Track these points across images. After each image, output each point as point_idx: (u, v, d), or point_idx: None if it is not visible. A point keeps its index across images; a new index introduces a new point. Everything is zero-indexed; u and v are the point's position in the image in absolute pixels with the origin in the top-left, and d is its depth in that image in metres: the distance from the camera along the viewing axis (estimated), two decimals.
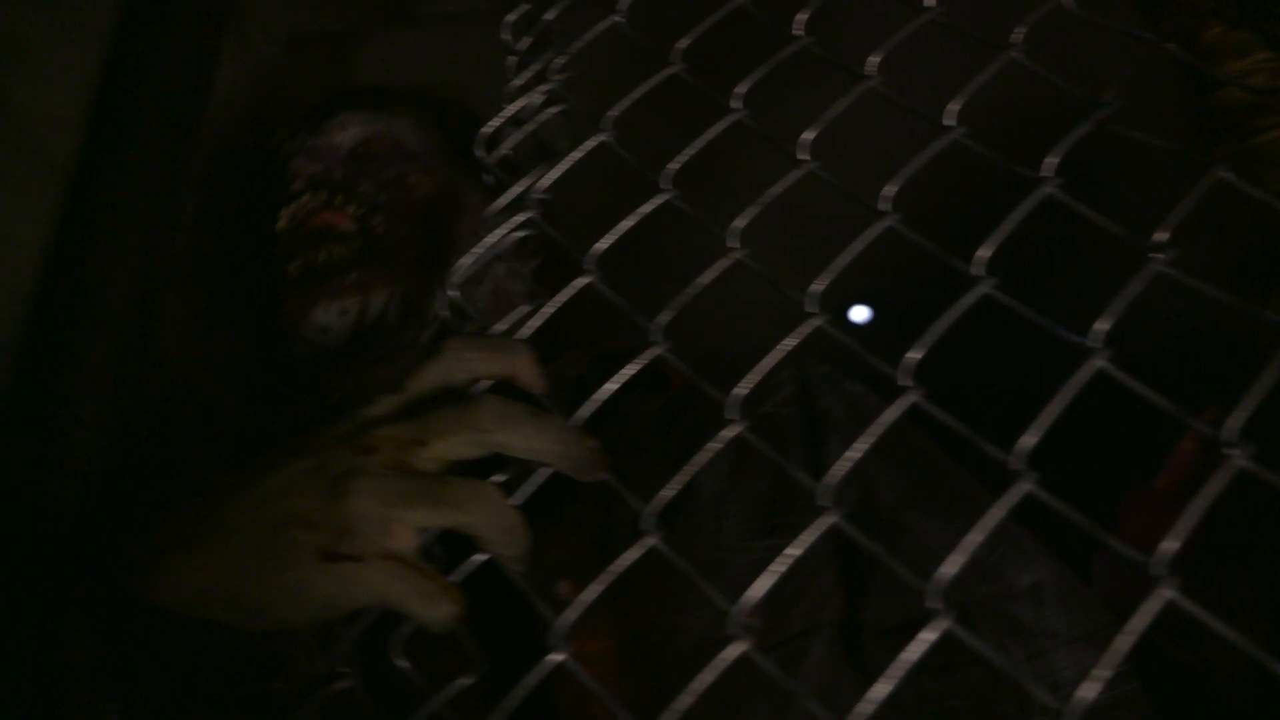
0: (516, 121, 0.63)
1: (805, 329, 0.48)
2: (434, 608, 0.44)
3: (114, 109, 0.78)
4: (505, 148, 0.63)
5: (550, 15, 0.68)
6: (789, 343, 0.48)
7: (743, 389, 0.48)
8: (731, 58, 0.65)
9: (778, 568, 0.43)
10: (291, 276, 0.77)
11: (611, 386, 0.49)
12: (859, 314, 1.83)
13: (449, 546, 0.46)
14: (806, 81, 0.65)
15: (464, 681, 0.46)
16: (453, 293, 0.56)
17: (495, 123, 0.62)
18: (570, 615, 0.45)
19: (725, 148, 0.59)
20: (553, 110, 0.63)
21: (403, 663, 0.47)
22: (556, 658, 0.44)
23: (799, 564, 0.43)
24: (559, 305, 0.53)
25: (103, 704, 0.41)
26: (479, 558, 0.47)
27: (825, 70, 0.59)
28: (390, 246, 0.78)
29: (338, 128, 0.86)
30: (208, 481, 0.48)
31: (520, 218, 0.58)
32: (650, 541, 0.46)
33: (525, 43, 0.67)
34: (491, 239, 0.57)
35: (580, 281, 0.53)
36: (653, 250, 0.79)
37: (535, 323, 0.53)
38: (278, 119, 0.92)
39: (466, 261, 0.57)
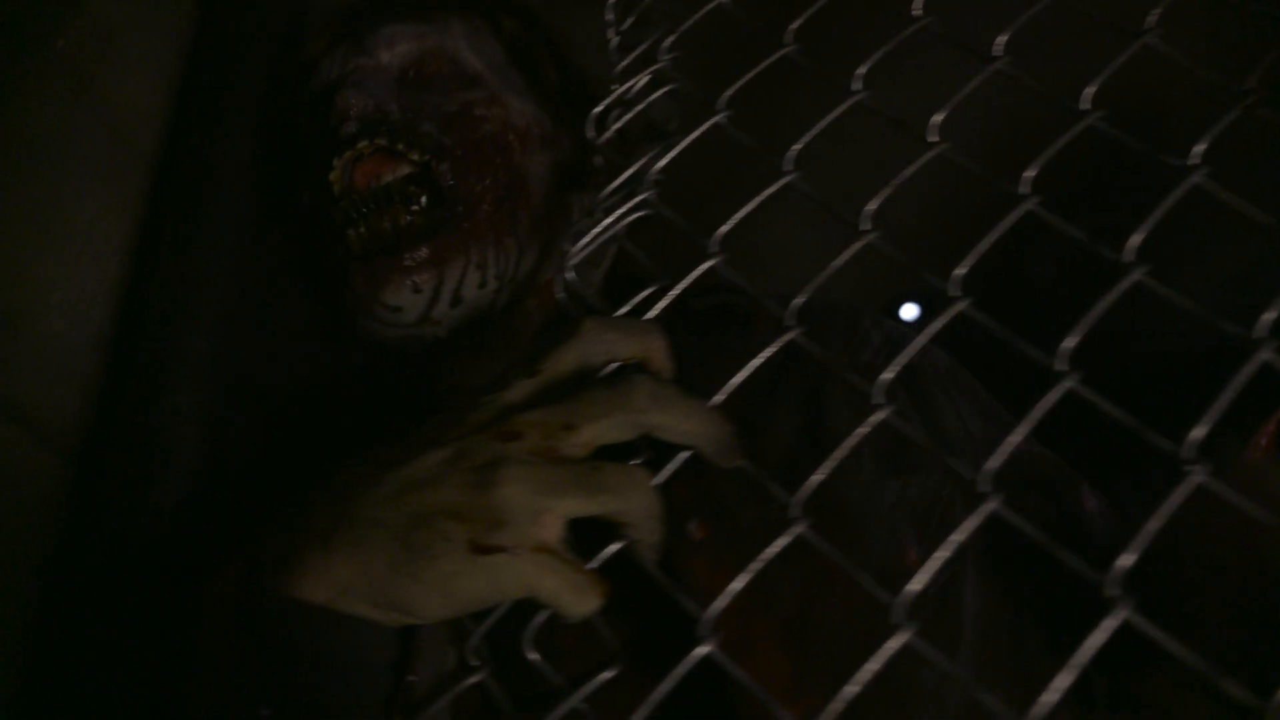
0: (624, 102, 0.62)
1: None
2: (582, 601, 0.42)
3: (197, 98, 0.77)
4: (614, 127, 0.61)
5: None
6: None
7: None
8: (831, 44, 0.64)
9: (942, 554, 0.41)
10: (354, 246, 0.68)
11: (755, 363, 0.47)
12: (909, 311, 1.82)
13: None
14: (922, 62, 0.63)
15: (606, 675, 0.44)
16: (569, 275, 0.55)
17: (605, 103, 0.61)
18: (718, 605, 0.43)
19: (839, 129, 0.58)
20: (661, 91, 0.62)
21: (534, 655, 0.45)
22: (704, 649, 0.43)
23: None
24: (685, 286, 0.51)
25: (253, 704, 0.40)
26: (615, 546, 0.46)
27: (942, 51, 0.57)
28: (462, 203, 0.68)
29: (384, 44, 0.74)
30: (335, 474, 0.46)
31: (638, 199, 0.56)
32: (798, 529, 0.44)
33: (628, 22, 0.66)
34: (609, 220, 0.56)
35: (707, 264, 0.52)
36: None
37: (663, 304, 0.51)
38: (307, 23, 0.80)
39: (583, 243, 0.55)
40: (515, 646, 0.45)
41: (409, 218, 0.67)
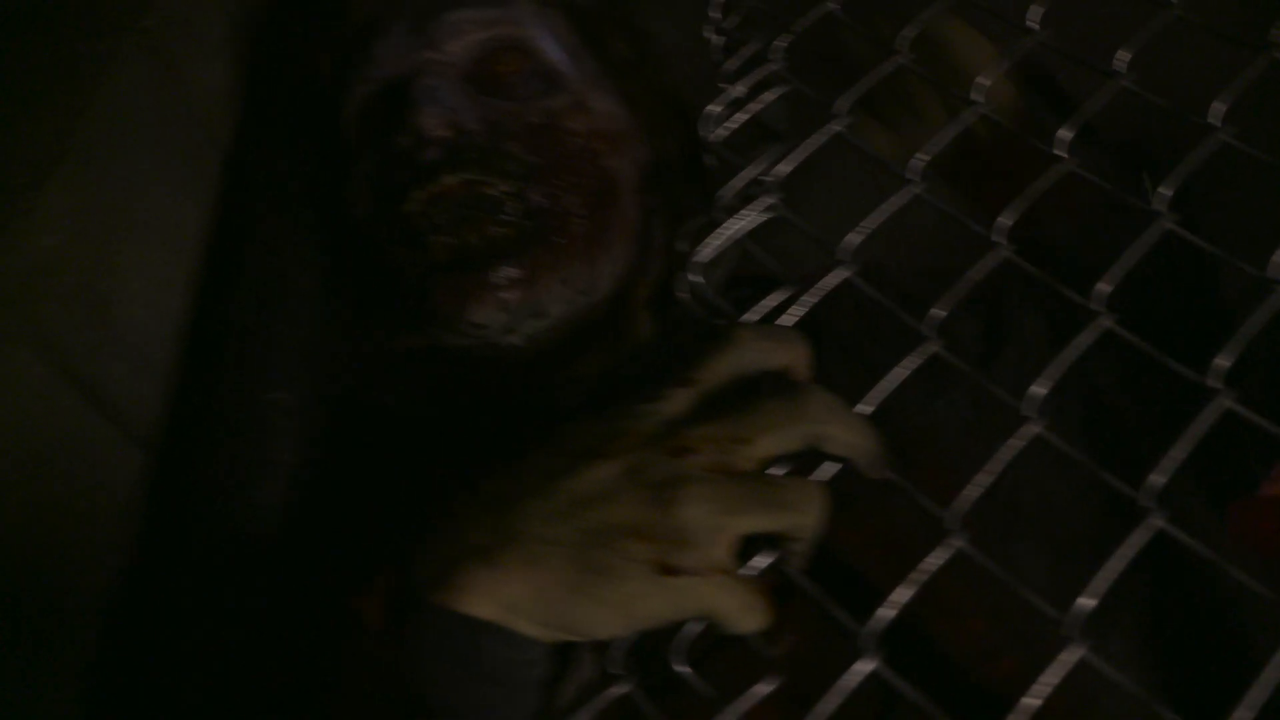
0: (735, 103, 0.61)
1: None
2: (754, 619, 0.41)
3: (268, 85, 0.75)
4: (725, 128, 0.60)
5: None
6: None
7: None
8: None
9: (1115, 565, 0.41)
10: (438, 256, 0.63)
11: (900, 373, 0.47)
12: None
13: None
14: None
15: (763, 688, 0.43)
16: (695, 278, 0.54)
17: (719, 103, 0.60)
18: (875, 624, 0.43)
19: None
20: (774, 92, 0.61)
21: (684, 668, 0.44)
22: (870, 664, 0.42)
23: None
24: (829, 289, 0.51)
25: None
26: (768, 558, 0.45)
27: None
28: (552, 224, 0.65)
29: (451, 34, 0.67)
30: (481, 482, 0.45)
31: (763, 202, 0.55)
32: (956, 544, 0.44)
33: (733, 20, 0.65)
34: (734, 224, 0.55)
35: (840, 273, 0.52)
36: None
37: (798, 310, 0.51)
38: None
39: (711, 245, 0.55)
40: (653, 655, 0.45)
41: (499, 230, 0.63)
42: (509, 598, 0.40)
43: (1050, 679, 0.40)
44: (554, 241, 0.64)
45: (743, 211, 0.55)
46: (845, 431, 0.43)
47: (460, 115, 0.64)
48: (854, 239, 0.53)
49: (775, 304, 0.52)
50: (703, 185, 0.70)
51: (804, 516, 0.42)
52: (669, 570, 0.40)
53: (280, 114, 0.71)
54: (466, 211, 0.63)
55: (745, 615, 0.41)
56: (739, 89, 0.61)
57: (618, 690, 0.45)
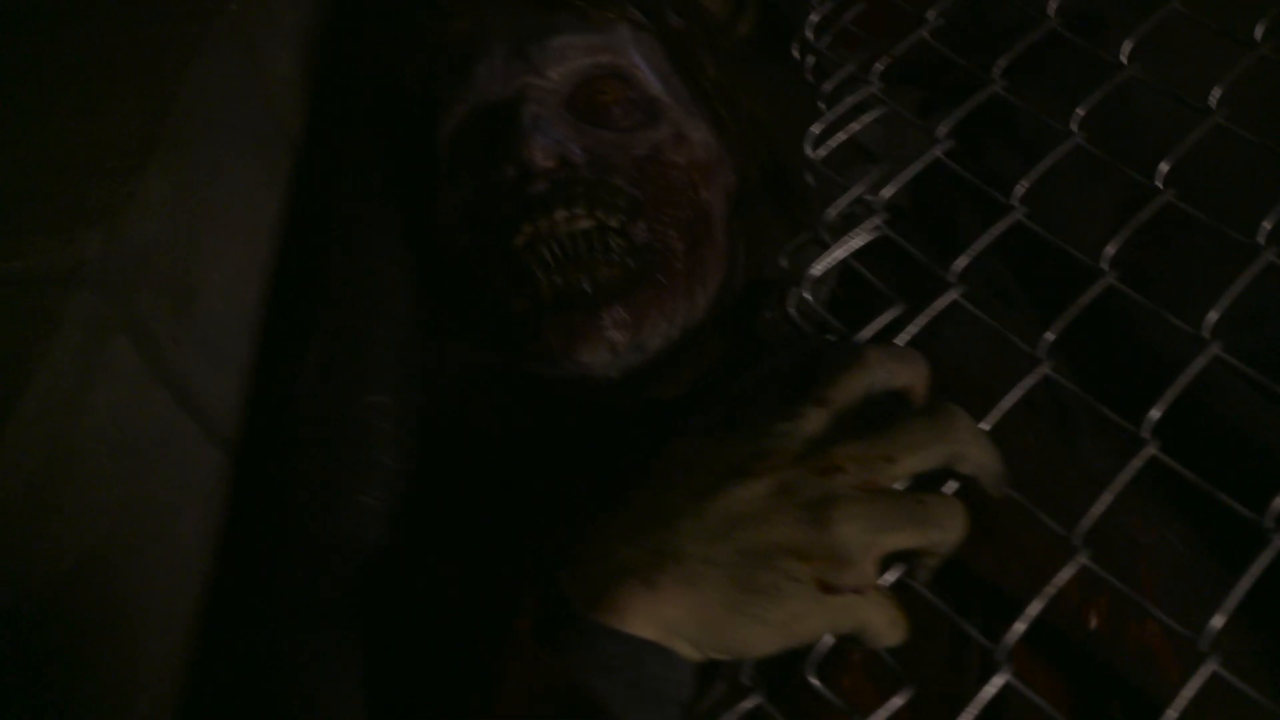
0: (835, 123, 0.61)
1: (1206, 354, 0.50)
2: (898, 633, 0.42)
3: (346, 88, 0.73)
4: (826, 148, 0.61)
5: (849, 16, 0.67)
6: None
7: (1158, 410, 0.49)
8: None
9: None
10: (546, 295, 0.62)
11: (1013, 398, 0.48)
12: None
13: None
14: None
15: (896, 702, 0.44)
16: (806, 295, 0.55)
17: (821, 124, 0.61)
18: (1011, 638, 0.44)
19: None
20: (872, 114, 0.62)
21: (815, 681, 0.45)
22: (1003, 678, 0.43)
23: None
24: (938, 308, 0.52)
25: None
26: (896, 572, 0.46)
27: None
28: (657, 263, 0.64)
29: (554, 59, 0.66)
30: (622, 498, 0.45)
31: (870, 223, 0.56)
32: (1082, 560, 0.45)
33: (824, 40, 0.66)
34: (843, 245, 0.56)
35: (949, 296, 0.53)
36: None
37: (913, 329, 0.51)
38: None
39: (821, 265, 0.55)
40: (779, 667, 0.45)
41: (607, 271, 0.62)
42: (669, 619, 0.40)
43: (1188, 693, 0.42)
44: (658, 281, 0.64)
45: (854, 232, 0.56)
46: (980, 453, 0.44)
47: (566, 146, 0.64)
48: (961, 262, 0.54)
49: (888, 322, 0.53)
50: (785, 203, 0.70)
51: (948, 533, 0.43)
52: (828, 588, 0.40)
53: (362, 120, 0.70)
54: (575, 251, 0.62)
55: (892, 630, 0.42)
56: (838, 109, 0.61)
57: (749, 703, 0.45)
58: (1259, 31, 0.61)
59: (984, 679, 0.44)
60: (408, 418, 0.58)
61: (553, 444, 0.61)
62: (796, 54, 0.67)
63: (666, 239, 0.64)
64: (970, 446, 0.44)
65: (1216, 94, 0.58)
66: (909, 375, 0.47)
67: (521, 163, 0.62)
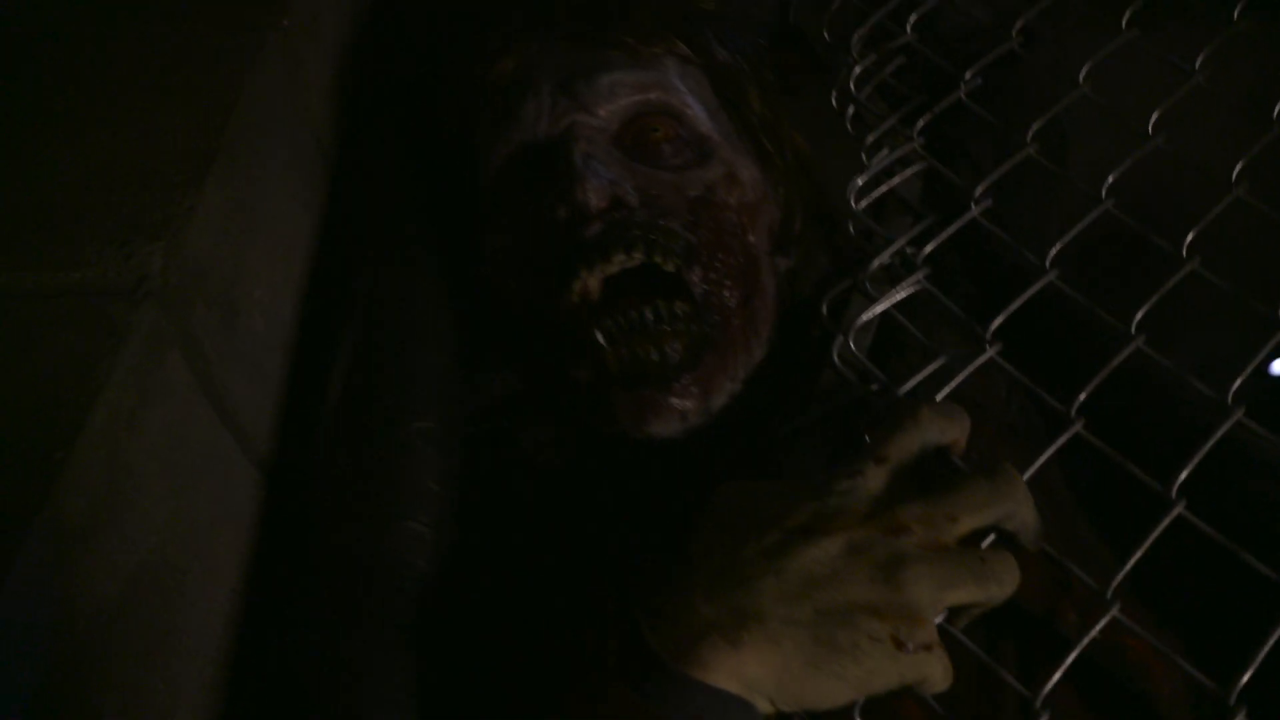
0: (876, 178, 0.63)
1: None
2: (949, 681, 0.44)
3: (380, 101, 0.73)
4: (867, 201, 0.63)
5: (890, 69, 0.69)
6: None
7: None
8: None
9: None
10: (613, 369, 0.60)
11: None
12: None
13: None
14: None
15: None
16: (850, 344, 0.56)
17: (864, 177, 0.62)
18: (1047, 687, 0.46)
19: None
20: (911, 169, 0.64)
21: None
22: None
23: None
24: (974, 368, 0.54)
25: None
26: (939, 618, 0.47)
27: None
28: (717, 324, 0.62)
29: (604, 97, 0.64)
30: (693, 550, 0.46)
31: (914, 278, 0.58)
32: (1114, 613, 0.47)
33: (865, 91, 0.68)
34: (887, 298, 0.57)
35: (986, 355, 0.55)
36: None
37: (958, 381, 0.53)
38: (484, 31, 0.67)
39: (864, 318, 0.57)
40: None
41: (673, 341, 0.60)
42: (750, 675, 0.42)
43: None
44: (721, 344, 0.63)
45: (899, 286, 0.58)
46: (1029, 513, 0.46)
47: (619, 186, 0.62)
48: (997, 321, 0.56)
49: (927, 374, 0.55)
50: (829, 236, 0.71)
51: (1004, 588, 0.45)
52: (906, 646, 0.42)
53: (402, 146, 0.69)
54: (643, 325, 0.60)
55: (945, 678, 0.44)
56: (880, 162, 0.63)
57: None
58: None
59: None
60: (452, 442, 0.58)
61: (611, 482, 0.61)
62: (835, 103, 0.69)
63: (722, 293, 0.63)
64: (1022, 507, 0.46)
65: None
66: (956, 431, 0.49)
67: (575, 204, 0.61)
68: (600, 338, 0.60)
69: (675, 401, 0.60)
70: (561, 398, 0.63)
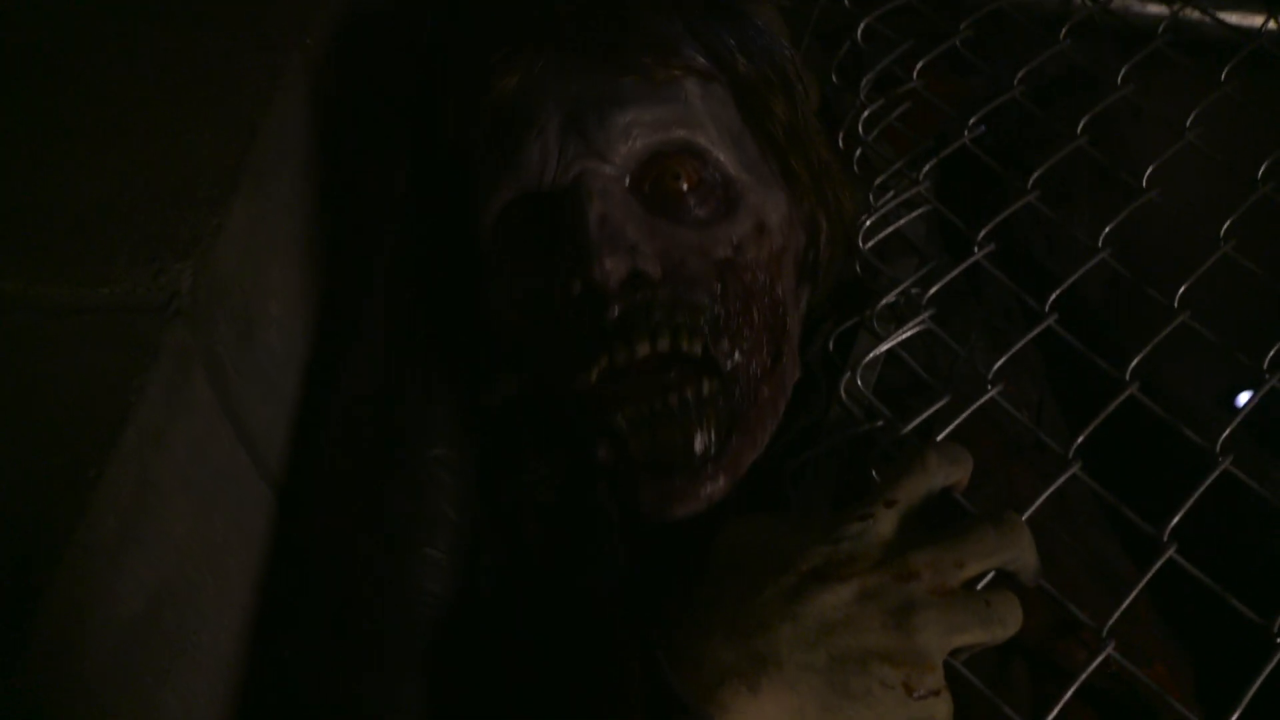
0: (885, 219, 0.65)
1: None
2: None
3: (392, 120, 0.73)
4: (874, 241, 0.64)
5: (895, 115, 0.71)
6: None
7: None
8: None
9: None
10: (638, 456, 0.57)
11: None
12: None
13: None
14: None
15: None
16: (857, 382, 0.58)
17: (869, 217, 0.64)
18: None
19: None
20: (917, 213, 0.66)
21: None
22: None
23: None
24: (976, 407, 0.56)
25: None
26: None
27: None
28: (744, 398, 0.58)
29: (620, 139, 0.58)
30: (710, 593, 0.47)
31: (920, 320, 0.60)
32: (1109, 651, 0.49)
33: (872, 135, 0.70)
34: (894, 338, 0.59)
35: (991, 393, 0.57)
36: None
37: (959, 420, 0.55)
38: (486, 47, 0.61)
39: (870, 357, 0.59)
40: None
41: (701, 430, 0.57)
42: (768, 718, 0.43)
43: None
44: (750, 420, 0.59)
45: (909, 325, 0.60)
46: (1031, 557, 0.48)
47: (638, 254, 0.56)
48: (999, 362, 0.58)
49: (931, 413, 0.57)
50: (847, 258, 0.68)
51: (1008, 629, 0.46)
52: (916, 692, 0.44)
53: (411, 168, 0.69)
54: (665, 409, 0.56)
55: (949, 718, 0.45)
56: (887, 203, 0.65)
57: None
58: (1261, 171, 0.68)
59: None
60: (467, 468, 0.59)
61: (612, 517, 0.61)
62: (842, 144, 0.71)
63: (751, 362, 0.59)
64: (1026, 553, 0.48)
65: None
66: (960, 473, 0.51)
67: (592, 282, 0.55)
68: (623, 424, 0.56)
69: (704, 489, 0.56)
70: (585, 470, 0.60)
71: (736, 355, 0.58)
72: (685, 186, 0.60)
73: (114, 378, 0.45)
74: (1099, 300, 0.71)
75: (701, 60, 0.63)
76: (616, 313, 0.55)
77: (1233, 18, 0.79)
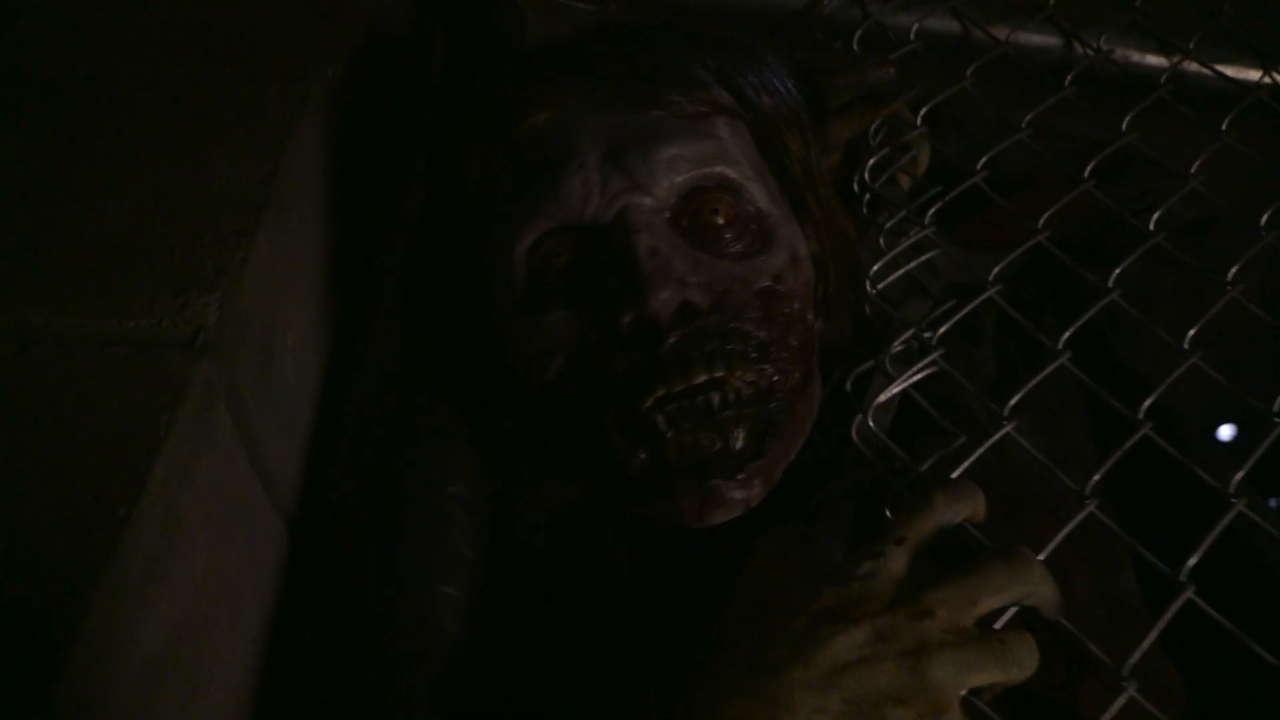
0: (894, 263, 0.66)
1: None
2: None
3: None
4: (882, 284, 0.65)
5: (905, 159, 0.72)
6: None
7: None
8: None
9: None
10: (673, 456, 0.57)
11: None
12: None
13: None
14: None
15: None
16: (873, 424, 0.58)
17: (881, 262, 0.65)
18: None
19: None
20: (924, 257, 0.67)
21: None
22: None
23: None
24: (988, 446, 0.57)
25: None
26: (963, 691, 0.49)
27: None
28: (782, 407, 0.59)
29: (663, 173, 0.59)
30: (722, 642, 0.47)
31: (930, 360, 0.61)
32: (1131, 692, 0.50)
33: (880, 180, 0.71)
34: (906, 379, 0.60)
35: (1003, 430, 0.58)
36: None
37: (969, 462, 0.56)
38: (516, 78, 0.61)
39: (884, 398, 0.59)
40: None
41: (739, 430, 0.57)
42: None
43: None
44: (784, 429, 0.60)
45: (918, 366, 0.60)
46: (1048, 590, 0.48)
47: (687, 286, 0.57)
48: (1014, 399, 0.59)
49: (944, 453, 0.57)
50: (854, 297, 0.69)
51: (1024, 669, 0.47)
52: None
53: (430, 201, 0.69)
54: (705, 411, 0.57)
55: None
56: (898, 247, 0.66)
57: None
58: None
59: None
60: (482, 506, 0.58)
61: (643, 556, 0.61)
62: (856, 188, 0.72)
63: (788, 380, 0.60)
64: (1041, 586, 0.48)
65: None
66: (970, 510, 0.51)
67: (645, 314, 0.56)
68: (662, 423, 0.56)
69: (739, 493, 0.56)
70: (613, 487, 0.60)
71: (776, 374, 0.59)
72: (722, 221, 0.61)
73: (142, 414, 0.44)
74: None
75: (727, 98, 0.65)
76: (671, 342, 0.56)
77: (1230, 70, 0.81)
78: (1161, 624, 0.52)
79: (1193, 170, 0.70)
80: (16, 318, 0.48)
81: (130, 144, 0.56)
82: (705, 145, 0.61)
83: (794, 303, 0.62)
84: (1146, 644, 0.51)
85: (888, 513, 0.55)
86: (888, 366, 0.62)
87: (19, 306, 0.49)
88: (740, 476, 0.57)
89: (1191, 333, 0.62)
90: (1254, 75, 0.82)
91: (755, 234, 0.62)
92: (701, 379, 0.56)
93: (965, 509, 0.51)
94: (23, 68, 0.60)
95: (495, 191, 0.62)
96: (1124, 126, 0.73)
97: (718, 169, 0.61)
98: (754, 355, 0.58)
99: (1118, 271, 0.65)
